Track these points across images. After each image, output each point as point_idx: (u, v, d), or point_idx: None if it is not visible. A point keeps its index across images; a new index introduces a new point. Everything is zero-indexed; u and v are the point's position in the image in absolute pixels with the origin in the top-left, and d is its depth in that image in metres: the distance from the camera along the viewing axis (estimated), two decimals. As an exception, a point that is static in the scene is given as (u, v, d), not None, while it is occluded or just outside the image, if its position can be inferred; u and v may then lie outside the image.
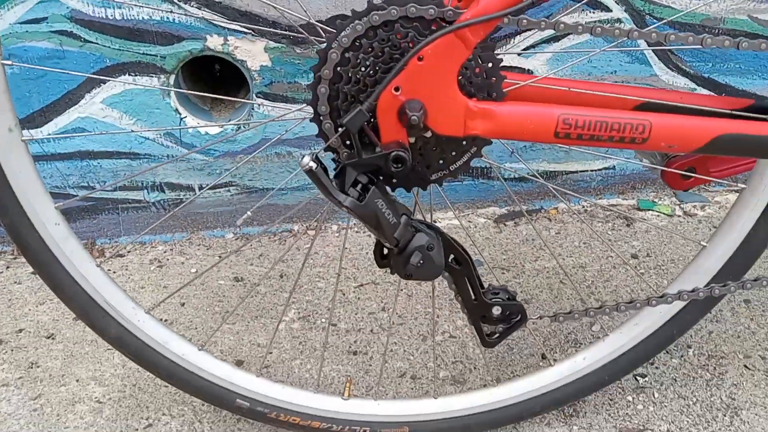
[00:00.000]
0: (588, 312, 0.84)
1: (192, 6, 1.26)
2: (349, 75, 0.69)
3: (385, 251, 0.76)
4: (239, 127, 1.38)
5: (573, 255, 1.42)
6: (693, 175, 0.92)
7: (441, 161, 0.74)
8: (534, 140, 0.66)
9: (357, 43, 0.68)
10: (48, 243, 0.81)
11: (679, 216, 1.56)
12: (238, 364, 1.14)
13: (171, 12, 1.25)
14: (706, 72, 1.46)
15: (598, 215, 1.56)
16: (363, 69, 0.69)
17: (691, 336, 1.19)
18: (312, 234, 1.50)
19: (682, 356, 1.14)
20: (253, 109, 1.39)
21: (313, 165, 0.62)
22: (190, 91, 1.40)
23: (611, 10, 1.36)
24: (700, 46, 0.67)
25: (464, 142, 0.73)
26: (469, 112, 0.65)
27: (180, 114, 1.36)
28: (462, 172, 0.76)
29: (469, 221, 1.55)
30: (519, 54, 1.39)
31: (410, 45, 0.67)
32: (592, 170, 1.56)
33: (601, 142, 0.67)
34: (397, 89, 0.65)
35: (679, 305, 0.88)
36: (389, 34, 0.68)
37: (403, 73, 0.64)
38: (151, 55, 1.29)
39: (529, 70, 1.42)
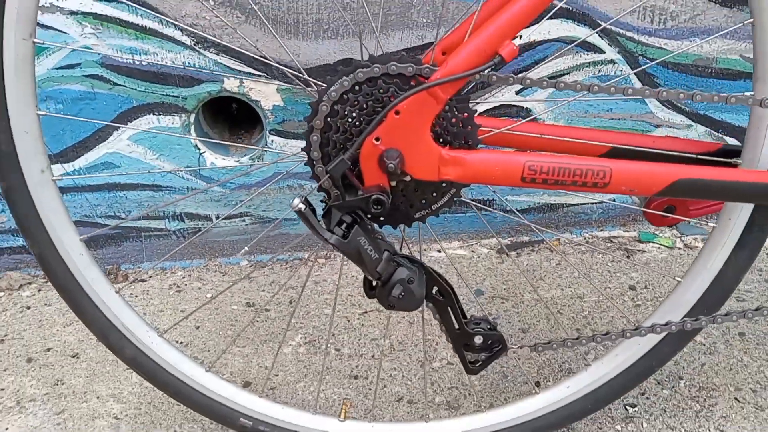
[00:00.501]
0: (566, 342, 0.89)
1: (210, 53, 1.37)
2: (338, 125, 0.77)
3: (374, 284, 0.83)
4: (253, 162, 1.48)
5: (572, 286, 1.46)
6: (670, 215, 0.97)
7: (423, 201, 0.81)
8: (502, 184, 0.73)
9: (344, 97, 0.77)
10: (72, 271, 0.90)
11: (679, 248, 1.59)
12: (246, 385, 1.21)
13: (193, 56, 1.36)
14: (701, 109, 1.51)
15: (599, 247, 1.60)
16: (350, 120, 0.77)
17: (683, 367, 1.22)
18: (322, 262, 1.57)
19: (673, 387, 1.17)
20: (266, 145, 1.48)
21: (302, 206, 0.70)
22: (205, 139, 1.51)
23: (604, 52, 1.43)
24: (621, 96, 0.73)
25: (443, 185, 0.80)
26: (442, 159, 0.72)
27: (199, 149, 1.46)
28: (443, 210, 0.82)
29: (473, 251, 1.61)
30: (517, 93, 1.46)
31: (391, 99, 0.75)
32: (592, 203, 1.61)
33: (566, 186, 0.74)
34: (377, 139, 0.72)
35: (655, 338, 0.92)
36: (372, 89, 0.76)
37: (382, 125, 0.72)
38: (173, 96, 1.40)
39: (527, 108, 1.48)
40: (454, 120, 0.77)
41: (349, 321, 1.37)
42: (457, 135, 0.77)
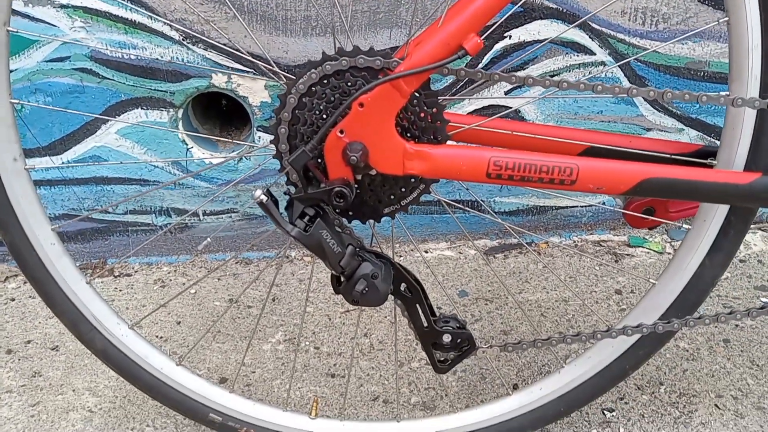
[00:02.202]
0: (535, 343, 0.88)
1: (199, 48, 1.37)
2: (305, 118, 0.77)
3: (342, 279, 0.83)
4: (241, 158, 1.48)
5: (557, 289, 1.45)
6: (649, 217, 0.96)
7: (391, 196, 0.80)
8: (469, 180, 0.72)
9: (312, 89, 0.76)
10: (44, 261, 0.90)
11: (669, 253, 1.57)
12: (222, 381, 1.21)
13: (182, 50, 1.37)
14: (693, 113, 1.49)
15: (587, 250, 1.59)
16: (317, 113, 0.76)
17: (664, 373, 1.20)
18: (307, 260, 1.57)
19: (653, 392, 1.16)
20: (254, 141, 1.48)
21: (264, 198, 0.70)
22: (191, 133, 1.51)
23: (594, 53, 1.42)
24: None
25: (412, 179, 0.79)
26: (407, 153, 0.72)
27: (187, 144, 1.46)
28: (412, 206, 0.82)
29: (460, 252, 1.60)
30: (506, 93, 1.45)
31: (358, 92, 0.74)
32: (582, 206, 1.60)
33: (532, 183, 0.73)
34: (341, 132, 0.72)
35: (629, 341, 0.91)
36: (340, 82, 0.75)
37: (347, 118, 0.71)
38: (161, 90, 1.40)
39: (518, 110, 1.47)
40: (422, 114, 0.76)
41: (330, 319, 1.37)
42: (426, 130, 0.76)
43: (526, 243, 1.61)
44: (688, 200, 0.83)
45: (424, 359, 1.24)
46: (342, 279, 0.80)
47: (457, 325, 0.86)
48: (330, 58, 0.75)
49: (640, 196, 0.79)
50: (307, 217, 0.72)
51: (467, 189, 1.49)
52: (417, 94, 0.75)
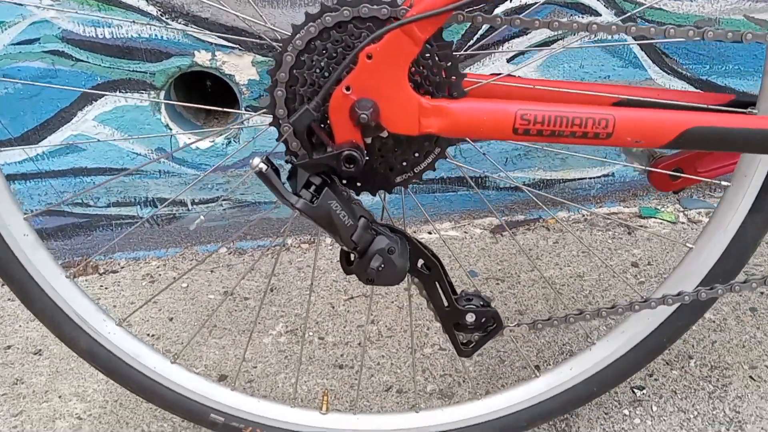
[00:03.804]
0: (567, 319, 0.80)
1: (179, 23, 1.27)
2: (305, 77, 0.68)
3: (352, 257, 0.74)
4: (228, 140, 1.38)
5: (571, 264, 1.38)
6: (681, 175, 0.89)
7: (404, 163, 0.72)
8: (493, 137, 0.64)
9: (311, 45, 0.67)
10: (17, 254, 0.81)
11: (683, 223, 1.51)
12: (221, 378, 1.12)
13: (160, 28, 1.27)
14: (703, 74, 1.42)
15: (598, 224, 1.52)
16: (318, 71, 0.68)
17: (692, 346, 1.13)
18: (305, 247, 1.48)
19: (683, 367, 1.09)
20: (243, 122, 1.39)
21: (263, 166, 0.61)
22: (172, 102, 1.42)
23: (600, 14, 1.34)
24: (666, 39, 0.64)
25: (426, 143, 0.71)
26: (423, 109, 0.63)
27: (170, 129, 1.37)
28: (426, 174, 0.73)
29: (465, 232, 1.52)
30: (508, 61, 1.37)
31: (364, 45, 0.65)
32: (590, 177, 1.53)
33: (563, 138, 0.65)
34: (348, 88, 0.63)
35: (666, 311, 0.83)
36: (342, 35, 0.67)
37: (353, 72, 0.63)
38: (140, 71, 1.30)
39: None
40: (435, 69, 0.67)
41: (333, 308, 1.28)
42: (440, 86, 0.68)
43: (535, 218, 1.54)
44: (732, 151, 0.75)
45: (438, 344, 1.16)
46: (354, 256, 0.71)
47: (482, 303, 0.78)
48: (330, 9, 0.66)
49: (681, 148, 0.71)
50: (313, 187, 0.63)
51: (484, 153, 1.41)
52: (429, 46, 0.66)
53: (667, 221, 1.51)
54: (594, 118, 0.64)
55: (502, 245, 1.47)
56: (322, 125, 0.67)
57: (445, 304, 0.78)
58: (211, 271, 1.42)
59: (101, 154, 1.37)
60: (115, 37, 1.28)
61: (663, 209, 1.55)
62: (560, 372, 0.89)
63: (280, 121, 0.70)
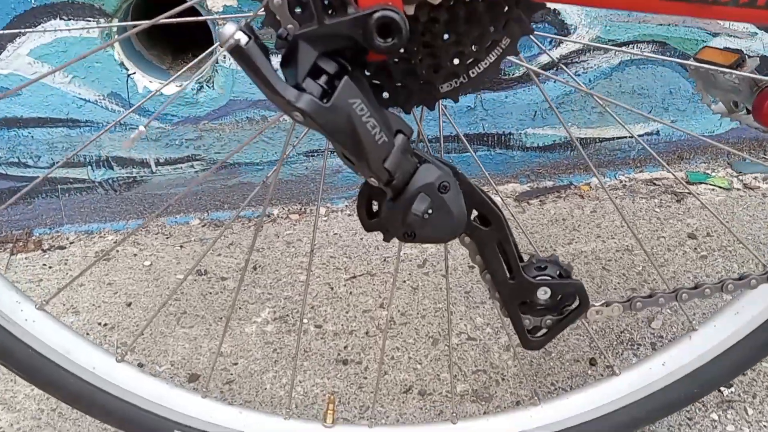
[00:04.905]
0: (679, 294, 0.57)
1: (135, -71, 1.01)
2: None
3: (375, 207, 0.50)
4: (201, 86, 1.12)
5: (615, 237, 1.15)
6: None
7: (456, 59, 0.48)
8: (614, 3, 0.40)
9: None
10: None
11: (738, 189, 1.29)
12: (193, 379, 0.87)
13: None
14: (772, 9, 1.20)
15: (640, 191, 1.29)
16: None
17: (781, 332, 0.91)
18: (295, 218, 1.23)
19: (774, 359, 0.87)
20: (217, 63, 1.13)
21: (243, 38, 0.36)
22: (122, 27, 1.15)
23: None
24: None
25: (492, 26, 0.46)
26: (507, -52, 0.39)
27: (127, 69, 1.10)
28: (485, 81, 0.49)
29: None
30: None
31: None
32: (629, 137, 1.30)
33: (721, 9, 0.41)
34: None
35: (803, 284, 0.61)
36: None
37: None
38: (86, -7, 1.03)
39: (556, 11, 1.16)
40: None
41: (332, 289, 1.04)
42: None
43: (565, 185, 1.31)
44: None
45: (465, 333, 0.92)
46: (383, 198, 0.47)
47: (559, 273, 0.55)
48: None
49: None
50: (324, 77, 0.39)
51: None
52: None
53: (720, 187, 1.29)
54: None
55: (530, 215, 1.23)
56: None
57: (509, 274, 0.54)
58: (181, 247, 1.17)
59: (40, 100, 1.10)
60: (53, -52, 1.01)
61: (714, 174, 1.32)
62: (649, 369, 0.66)
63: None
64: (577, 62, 1.19)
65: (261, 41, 0.38)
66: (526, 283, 0.54)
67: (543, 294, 0.55)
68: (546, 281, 0.54)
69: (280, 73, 0.39)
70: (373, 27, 0.38)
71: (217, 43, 1.06)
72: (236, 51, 0.37)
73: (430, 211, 0.44)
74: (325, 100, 0.38)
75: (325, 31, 0.38)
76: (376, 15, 0.37)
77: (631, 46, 1.20)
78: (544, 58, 1.17)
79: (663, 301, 0.57)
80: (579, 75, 1.20)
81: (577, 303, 0.56)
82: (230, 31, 0.37)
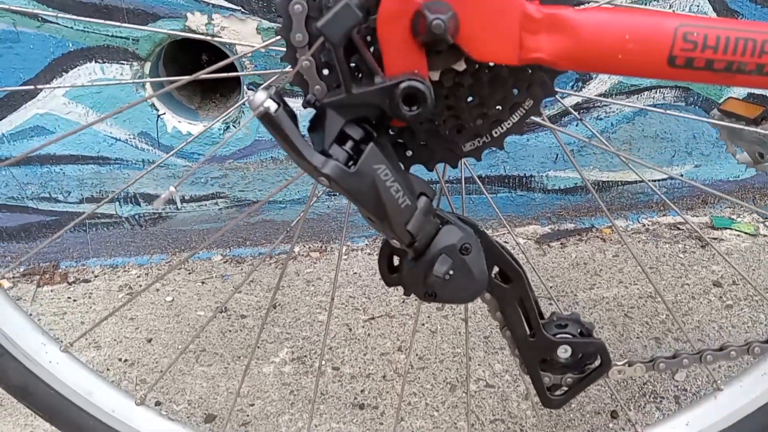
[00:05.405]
0: (703, 356, 0.56)
1: (169, -22, 1.05)
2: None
3: (396, 262, 0.50)
4: (228, 126, 1.15)
5: (638, 282, 1.14)
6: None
7: (480, 119, 0.48)
8: (634, 71, 0.41)
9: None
10: None
11: (765, 235, 1.27)
12: (209, 419, 0.87)
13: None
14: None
15: (663, 235, 1.28)
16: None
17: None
18: (315, 256, 1.24)
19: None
20: (244, 105, 1.16)
21: (273, 105, 0.38)
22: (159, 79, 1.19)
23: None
24: None
25: (515, 89, 0.47)
26: (529, 20, 0.40)
27: (157, 110, 1.13)
28: (508, 136, 0.50)
29: (506, 242, 1.28)
30: None
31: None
32: (653, 180, 1.29)
33: (745, 77, 0.41)
34: (410, -15, 0.40)
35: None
36: None
37: (419, -41, 0.39)
38: (121, 37, 1.08)
39: None
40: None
41: (351, 330, 1.04)
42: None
43: (587, 228, 1.30)
44: None
45: (484, 380, 0.91)
46: (404, 256, 0.47)
47: (581, 331, 0.54)
48: None
49: None
50: (350, 142, 0.40)
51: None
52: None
53: (746, 233, 1.27)
54: (796, 42, 0.40)
55: (551, 258, 1.22)
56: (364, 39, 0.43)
57: (529, 331, 0.54)
58: (202, 283, 1.18)
59: (73, 139, 1.14)
60: (92, -5, 1.06)
61: (739, 220, 1.30)
62: (671, 428, 0.65)
63: (297, 54, 0.46)
64: (599, 107, 1.20)
65: (290, 108, 0.39)
66: (546, 340, 0.54)
67: (563, 352, 0.54)
68: (566, 339, 0.54)
69: (307, 137, 0.41)
70: (399, 97, 0.39)
71: (245, 99, 1.10)
72: (265, 118, 0.38)
73: (451, 273, 0.44)
74: (350, 165, 0.39)
75: (352, 100, 0.39)
76: (403, 85, 0.39)
77: (654, 91, 1.20)
78: (565, 100, 1.18)
79: (687, 362, 0.56)
80: (601, 119, 1.21)
81: (598, 362, 0.55)
82: (260, 99, 0.38)
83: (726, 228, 1.29)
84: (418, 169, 0.50)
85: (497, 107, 0.48)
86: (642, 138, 1.23)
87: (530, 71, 0.47)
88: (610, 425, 0.84)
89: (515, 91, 0.48)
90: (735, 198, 1.26)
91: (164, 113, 1.14)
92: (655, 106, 1.21)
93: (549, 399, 0.56)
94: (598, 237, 1.28)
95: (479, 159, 0.51)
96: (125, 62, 1.09)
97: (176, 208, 1.22)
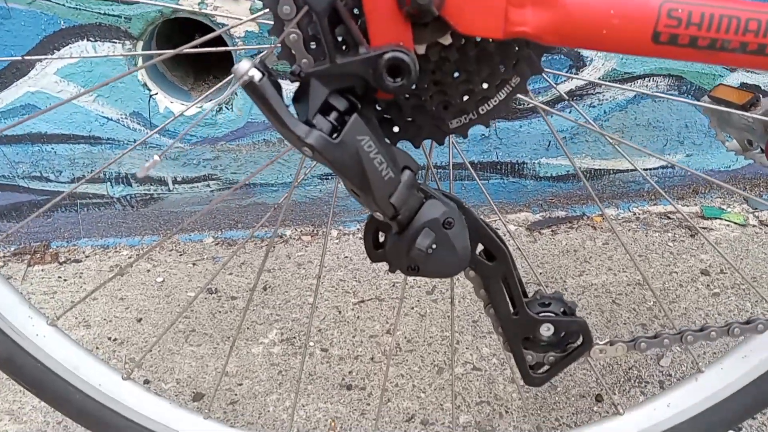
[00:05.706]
0: (684, 336, 0.56)
1: (163, -44, 1.04)
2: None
3: (382, 238, 0.51)
4: (220, 108, 1.15)
5: (627, 270, 1.14)
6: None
7: (466, 95, 0.49)
8: (618, 48, 0.41)
9: None
10: None
11: (754, 226, 1.28)
12: (197, 398, 0.88)
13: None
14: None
15: (653, 224, 1.28)
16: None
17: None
18: (306, 240, 1.25)
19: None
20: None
21: (257, 74, 0.38)
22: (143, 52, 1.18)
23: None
24: None
25: (502, 66, 0.47)
26: (515, -6, 0.40)
27: (149, 90, 1.13)
28: (495, 116, 0.50)
29: (497, 228, 1.28)
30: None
31: None
32: (645, 169, 1.29)
33: (728, 55, 0.41)
34: (396, -43, 0.40)
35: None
36: None
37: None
38: (113, 15, 1.07)
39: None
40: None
41: (340, 312, 1.04)
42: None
43: (578, 215, 1.30)
44: None
45: (471, 363, 0.92)
46: (389, 231, 0.48)
47: (563, 310, 0.55)
48: None
49: None
50: (334, 114, 0.40)
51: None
52: None
53: (736, 223, 1.28)
54: (780, 20, 0.40)
55: (541, 245, 1.23)
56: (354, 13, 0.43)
57: (512, 309, 0.54)
58: (193, 264, 1.18)
59: (64, 117, 1.14)
60: (85, -27, 1.05)
61: (729, 210, 1.31)
62: (653, 409, 0.65)
63: (285, 25, 0.46)
64: (591, 94, 1.20)
65: (274, 78, 0.39)
66: (529, 318, 0.54)
67: (546, 330, 0.55)
68: (549, 318, 0.54)
69: (291, 108, 0.41)
70: (383, 67, 0.39)
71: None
72: (250, 87, 0.38)
73: (434, 247, 0.44)
74: (334, 136, 0.39)
75: (336, 70, 0.39)
76: (387, 56, 0.39)
77: (647, 79, 1.20)
78: (559, 87, 1.18)
79: (668, 342, 0.57)
80: (594, 107, 1.21)
81: (580, 341, 0.56)
82: (245, 67, 0.38)
83: (716, 218, 1.30)
84: (406, 148, 0.50)
85: (484, 84, 0.48)
86: (634, 126, 1.24)
87: (517, 48, 0.47)
88: (595, 408, 0.85)
89: (502, 67, 0.48)
90: (729, 186, 1.27)
91: (156, 93, 1.14)
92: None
93: (531, 377, 0.57)
94: (588, 225, 1.29)
95: (465, 136, 0.51)
96: (117, 41, 1.09)
97: (168, 189, 1.22)
